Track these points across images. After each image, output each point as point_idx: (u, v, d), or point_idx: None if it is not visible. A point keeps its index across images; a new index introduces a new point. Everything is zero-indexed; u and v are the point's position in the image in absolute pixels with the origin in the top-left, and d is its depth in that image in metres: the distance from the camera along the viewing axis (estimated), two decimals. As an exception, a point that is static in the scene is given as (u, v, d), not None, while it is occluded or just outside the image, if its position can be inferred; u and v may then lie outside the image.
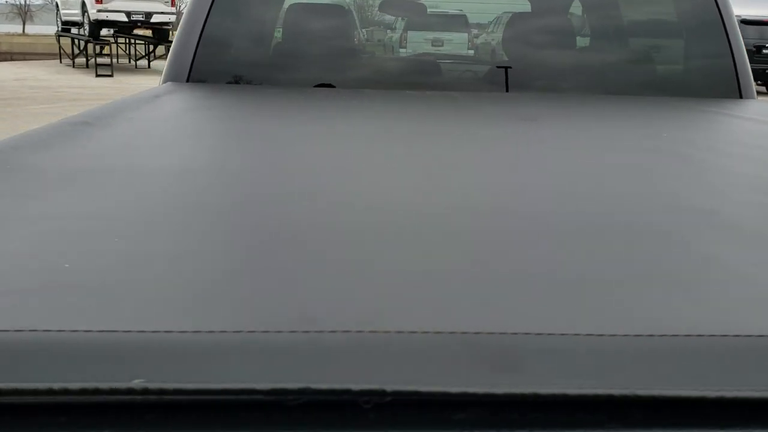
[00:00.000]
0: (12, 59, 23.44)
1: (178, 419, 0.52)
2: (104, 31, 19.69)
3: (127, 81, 17.00)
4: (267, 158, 1.31)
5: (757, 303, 0.66)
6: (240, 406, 0.52)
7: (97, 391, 0.50)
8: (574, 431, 0.53)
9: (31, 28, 44.57)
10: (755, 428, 0.53)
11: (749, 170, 1.36)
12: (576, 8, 3.13)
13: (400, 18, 6.77)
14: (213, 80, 2.41)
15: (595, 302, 0.66)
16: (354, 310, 0.60)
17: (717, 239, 0.87)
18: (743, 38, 2.65)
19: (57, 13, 22.88)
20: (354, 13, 3.59)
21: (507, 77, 2.61)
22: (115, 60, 18.81)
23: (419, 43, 7.06)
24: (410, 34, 7.48)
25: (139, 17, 19.30)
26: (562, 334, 0.56)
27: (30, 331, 0.54)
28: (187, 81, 2.34)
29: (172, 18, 20.25)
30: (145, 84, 16.28)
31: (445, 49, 6.86)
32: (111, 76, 17.66)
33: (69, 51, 21.02)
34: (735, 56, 2.53)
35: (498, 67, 2.80)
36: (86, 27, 19.41)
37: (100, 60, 18.38)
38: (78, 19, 20.22)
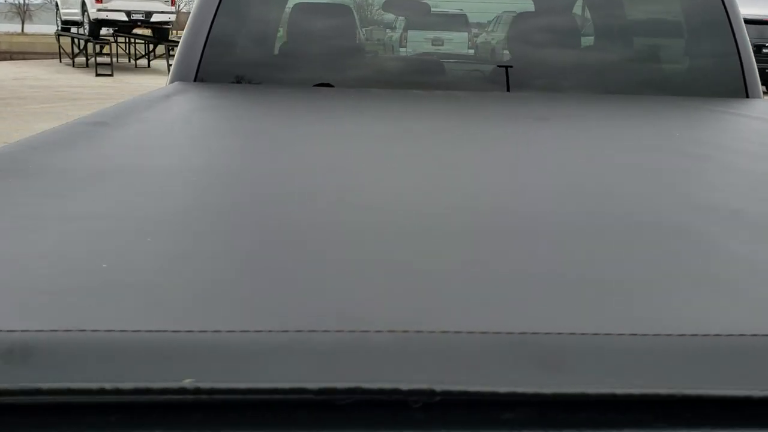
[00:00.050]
0: (11, 58, 23.41)
1: (228, 419, 0.52)
2: (104, 31, 19.68)
3: (128, 80, 17.00)
4: (283, 158, 1.33)
5: None
6: (290, 406, 0.52)
7: (148, 391, 0.50)
8: (621, 431, 0.53)
9: (30, 28, 44.52)
10: None
11: (763, 168, 1.36)
12: (580, 7, 3.11)
13: (399, 17, 6.78)
14: (220, 80, 2.42)
15: (639, 302, 0.66)
16: (398, 310, 0.60)
17: (746, 238, 0.87)
18: None
19: (57, 13, 22.85)
20: (354, 12, 3.60)
21: (510, 77, 2.60)
22: (115, 59, 18.80)
23: (419, 42, 7.06)
24: (410, 33, 7.49)
25: (139, 16, 19.29)
26: (607, 334, 0.57)
27: (80, 331, 0.54)
28: (195, 80, 2.36)
29: (172, 17, 20.23)
30: (145, 83, 16.29)
31: (445, 49, 6.87)
32: (111, 75, 17.65)
33: (69, 50, 21.00)
34: (742, 55, 2.52)
35: (502, 66, 2.79)
36: (86, 26, 19.39)
37: (100, 59, 18.36)
38: (78, 18, 20.21)
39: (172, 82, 2.38)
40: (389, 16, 6.58)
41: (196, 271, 0.70)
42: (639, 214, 0.99)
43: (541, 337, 0.56)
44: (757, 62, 2.65)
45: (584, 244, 0.84)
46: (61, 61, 21.65)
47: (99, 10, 18.75)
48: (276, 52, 2.82)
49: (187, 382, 0.50)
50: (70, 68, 20.18)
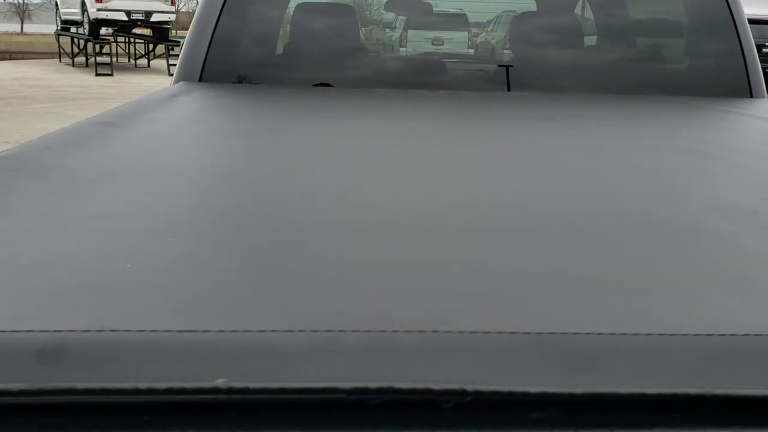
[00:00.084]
0: (11, 58, 23.39)
1: (261, 418, 0.52)
2: (103, 30, 19.68)
3: (128, 80, 16.99)
4: (291, 159, 1.34)
5: None
6: (322, 405, 0.53)
7: (182, 391, 0.51)
8: (652, 430, 0.53)
9: (29, 27, 44.48)
10: None
11: None
12: (580, 8, 3.11)
13: (399, 17, 6.78)
14: (225, 80, 2.43)
15: (667, 302, 0.66)
16: (427, 311, 0.61)
17: (762, 238, 0.88)
18: None
19: (56, 12, 22.84)
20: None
21: (512, 76, 2.60)
22: (114, 59, 18.80)
23: (419, 42, 7.07)
24: (410, 33, 7.49)
25: (139, 16, 19.28)
26: (636, 334, 0.57)
27: (111, 331, 0.55)
28: (200, 80, 2.37)
29: (172, 17, 20.22)
30: (145, 83, 16.28)
31: (445, 48, 6.87)
32: (111, 75, 17.64)
33: (68, 50, 21.00)
34: (745, 55, 2.52)
35: (505, 66, 2.78)
36: (86, 26, 19.39)
37: (99, 59, 18.35)
38: (78, 18, 20.20)
39: (176, 82, 2.40)
40: (389, 16, 6.58)
41: (223, 271, 0.71)
42: (654, 213, 1.00)
43: (570, 337, 0.57)
44: (758, 61, 2.64)
45: (603, 244, 0.84)
46: (60, 61, 21.63)
47: (99, 9, 18.74)
48: (280, 52, 2.84)
49: (220, 382, 0.51)
50: (70, 68, 20.17)
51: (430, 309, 0.62)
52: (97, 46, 18.93)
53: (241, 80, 2.49)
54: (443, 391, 0.51)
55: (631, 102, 2.42)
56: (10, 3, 50.69)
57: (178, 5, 21.27)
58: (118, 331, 0.55)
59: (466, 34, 7.05)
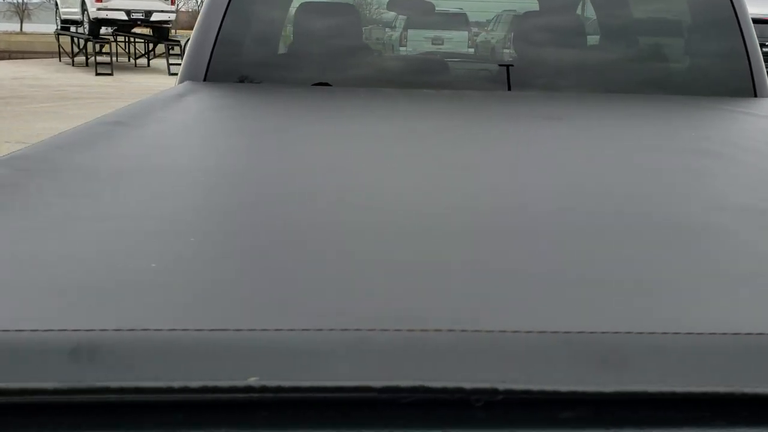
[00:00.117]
0: (10, 58, 23.40)
1: (293, 417, 0.53)
2: (103, 30, 19.68)
3: (128, 79, 17.00)
4: (302, 158, 1.34)
5: None
6: (353, 404, 0.53)
7: (216, 389, 0.51)
8: (681, 429, 0.53)
9: (28, 27, 44.47)
10: None
11: None
12: (588, 7, 3.11)
13: (399, 16, 6.79)
14: (229, 79, 2.44)
15: (696, 300, 0.67)
16: (456, 310, 0.62)
17: None
18: None
19: (56, 12, 22.84)
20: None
21: (514, 76, 2.60)
22: (114, 58, 18.81)
23: (419, 41, 7.08)
24: (410, 32, 7.50)
25: (139, 16, 19.28)
26: (664, 333, 0.57)
27: (143, 330, 0.55)
28: (204, 80, 2.38)
29: (172, 16, 20.22)
30: (145, 82, 16.28)
31: (445, 48, 6.87)
32: (111, 74, 17.64)
33: (68, 49, 21.00)
34: (750, 54, 2.51)
35: (506, 65, 2.78)
36: (86, 25, 19.39)
37: (99, 58, 18.35)
38: (77, 17, 20.20)
39: (181, 81, 2.40)
40: (389, 16, 6.59)
41: (251, 270, 0.72)
42: (669, 212, 1.00)
43: (599, 336, 0.57)
44: (757, 61, 2.64)
45: (623, 243, 0.85)
46: (60, 60, 21.63)
47: (99, 9, 18.74)
48: (284, 51, 2.85)
49: (253, 380, 0.51)
50: (70, 67, 20.17)
51: (459, 309, 0.62)
52: (97, 46, 18.93)
53: (245, 80, 2.50)
54: (474, 390, 0.52)
55: (635, 102, 2.41)
56: (10, 2, 50.69)
57: (178, 5, 21.27)
58: (150, 330, 0.55)
59: (466, 33, 7.05)
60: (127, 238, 0.80)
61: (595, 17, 3.12)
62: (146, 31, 20.75)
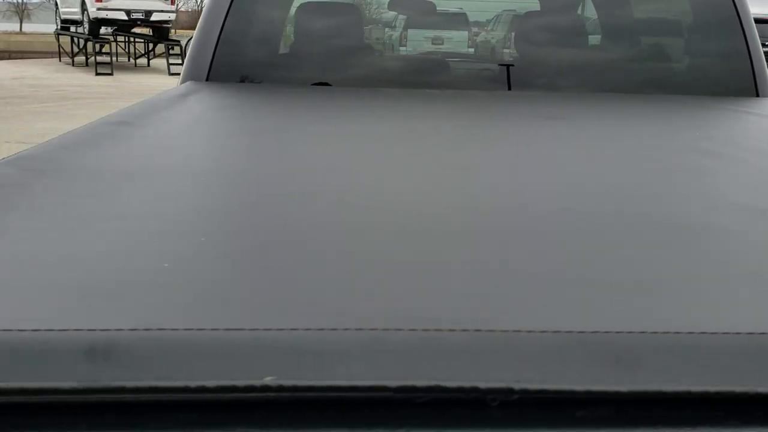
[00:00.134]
0: (10, 57, 23.41)
1: (308, 416, 0.53)
2: (103, 30, 19.68)
3: (128, 79, 17.00)
4: (305, 159, 1.35)
5: None
6: (369, 403, 0.53)
7: (233, 389, 0.52)
8: (695, 428, 0.53)
9: (27, 27, 44.47)
10: None
11: None
12: (588, 6, 3.11)
13: (399, 16, 6.80)
14: (232, 79, 2.44)
15: (709, 300, 0.67)
16: (470, 310, 0.62)
17: None
18: None
19: (56, 12, 22.85)
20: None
21: (516, 76, 2.60)
22: (114, 58, 18.81)
23: (419, 41, 7.09)
24: (410, 32, 7.51)
25: (139, 15, 19.28)
26: (677, 333, 0.58)
27: (159, 329, 0.56)
28: (207, 80, 2.38)
29: (172, 16, 20.23)
30: (145, 82, 16.29)
31: (445, 48, 6.88)
32: (111, 74, 17.65)
33: (68, 49, 21.01)
34: (752, 54, 2.51)
35: (506, 65, 2.78)
36: (86, 25, 19.40)
37: (99, 58, 18.36)
38: (77, 17, 20.21)
39: (184, 81, 2.41)
40: (388, 15, 6.60)
41: (262, 270, 0.72)
42: (676, 212, 1.01)
43: (613, 335, 0.57)
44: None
45: (633, 243, 0.85)
46: (60, 60, 21.63)
47: (99, 9, 18.75)
48: (287, 51, 2.86)
49: (269, 380, 0.52)
50: (70, 67, 20.17)
51: (473, 308, 0.62)
52: (97, 46, 18.94)
53: (248, 80, 2.51)
54: (490, 389, 0.52)
55: (637, 101, 2.41)
56: (9, 2, 50.68)
57: (178, 4, 21.27)
58: (165, 329, 0.56)
59: (466, 33, 7.05)
60: (138, 238, 0.80)
61: (593, 17, 3.12)
62: (146, 31, 20.75)
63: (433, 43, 7.02)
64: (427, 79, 2.76)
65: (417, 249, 0.80)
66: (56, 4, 22.87)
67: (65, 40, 21.47)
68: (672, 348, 0.57)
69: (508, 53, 3.51)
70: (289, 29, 2.90)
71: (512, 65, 2.71)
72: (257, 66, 2.58)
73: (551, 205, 1.03)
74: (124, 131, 1.46)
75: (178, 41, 18.96)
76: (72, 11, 20.69)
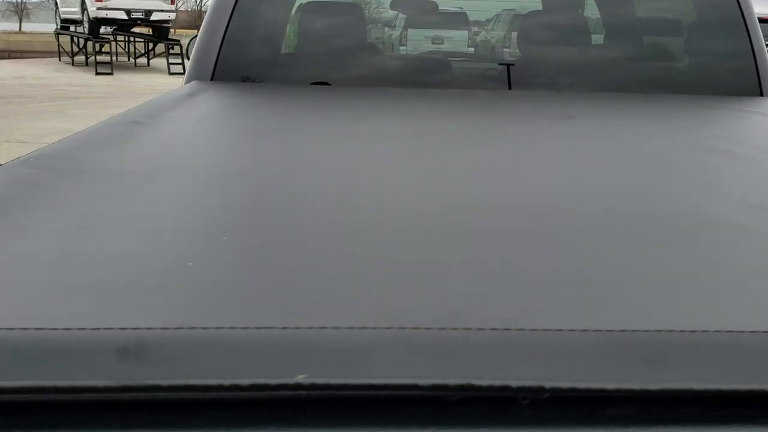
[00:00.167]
0: (9, 57, 23.42)
1: (340, 414, 0.53)
2: (103, 29, 19.67)
3: (128, 79, 17.00)
4: (319, 158, 1.35)
5: None
6: (401, 401, 0.53)
7: (265, 387, 0.52)
8: (726, 427, 0.53)
9: (27, 26, 44.43)
10: None
11: None
12: (588, 6, 3.10)
13: (399, 15, 6.81)
14: (236, 79, 2.45)
15: (738, 298, 0.67)
16: (499, 309, 0.62)
17: None
18: None
19: (56, 11, 22.84)
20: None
21: (519, 75, 2.61)
22: (114, 58, 18.81)
23: (419, 40, 7.10)
24: (410, 31, 7.52)
25: (139, 15, 19.28)
26: (704, 331, 0.58)
27: (190, 328, 0.56)
28: (211, 79, 2.39)
29: (172, 16, 20.22)
30: (145, 82, 16.28)
31: (445, 47, 6.88)
32: (111, 74, 17.65)
33: (68, 49, 21.00)
34: (756, 54, 2.51)
35: (507, 64, 2.78)
36: (86, 25, 19.39)
37: (99, 58, 18.36)
38: (77, 17, 20.20)
39: (188, 80, 2.42)
40: (388, 14, 6.61)
41: (289, 268, 0.72)
42: (694, 211, 1.01)
43: (642, 334, 0.58)
44: (759, 61, 2.62)
45: (655, 242, 0.86)
46: (60, 60, 21.62)
47: (99, 8, 18.74)
48: (292, 51, 2.87)
49: (301, 378, 0.52)
50: (70, 67, 20.16)
51: (500, 307, 0.63)
52: (97, 45, 18.93)
53: (252, 79, 2.52)
54: (521, 388, 0.52)
55: (642, 101, 2.41)
56: (8, 2, 50.63)
57: (178, 4, 21.25)
58: (197, 328, 0.56)
59: (466, 32, 7.05)
60: (161, 238, 0.81)
61: (594, 17, 3.11)
62: (146, 30, 20.74)
63: (433, 43, 7.03)
64: (429, 78, 2.77)
65: (441, 248, 0.81)
66: (56, 3, 22.86)
67: (65, 39, 21.45)
68: (702, 346, 0.57)
69: (509, 52, 3.51)
70: (293, 29, 2.92)
71: (512, 65, 2.71)
72: (262, 65, 2.59)
73: (570, 204, 1.04)
74: (137, 131, 1.46)
75: (178, 41, 18.96)
76: (72, 11, 20.68)
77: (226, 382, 0.52)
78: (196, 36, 2.87)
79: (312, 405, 0.53)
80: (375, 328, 0.57)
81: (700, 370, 0.55)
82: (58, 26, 22.47)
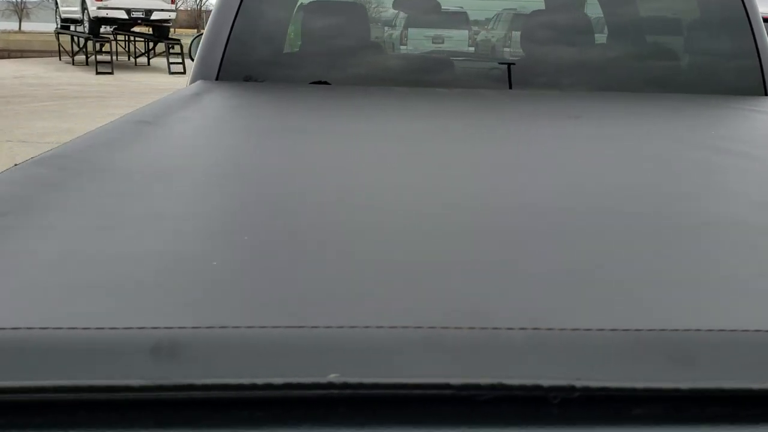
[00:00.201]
0: (9, 56, 23.42)
1: (372, 413, 0.54)
2: (103, 29, 19.68)
3: (128, 78, 17.00)
4: (326, 158, 1.36)
5: None
6: (431, 401, 0.54)
7: (299, 386, 0.52)
8: (756, 426, 0.54)
9: (26, 26, 44.42)
10: None
11: None
12: (589, 6, 3.09)
13: (399, 15, 6.82)
14: (241, 78, 2.46)
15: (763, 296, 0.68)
16: (525, 309, 0.63)
17: None
18: None
19: (56, 11, 22.84)
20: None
21: (517, 75, 2.60)
22: (114, 57, 18.82)
23: (419, 40, 7.11)
24: (411, 31, 7.53)
25: (139, 14, 19.28)
26: (733, 330, 0.58)
27: (221, 327, 0.56)
28: (216, 79, 2.40)
29: (173, 15, 20.22)
30: (146, 81, 16.28)
31: (445, 46, 6.89)
32: (111, 73, 17.66)
33: (68, 48, 21.01)
34: (761, 53, 2.51)
35: (508, 64, 2.78)
36: (86, 24, 19.39)
37: (100, 57, 18.37)
38: (78, 16, 20.20)
39: (194, 80, 2.43)
40: (388, 14, 6.62)
41: (320, 268, 0.72)
42: (709, 212, 1.02)
43: (669, 333, 0.58)
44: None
45: (684, 241, 0.86)
46: (60, 59, 21.63)
47: (99, 8, 18.74)
48: (296, 50, 2.88)
49: (333, 377, 0.52)
50: (70, 66, 20.17)
51: (529, 308, 0.63)
52: (98, 45, 18.94)
53: (257, 79, 2.53)
54: (552, 387, 0.53)
55: (647, 100, 2.40)
56: (8, 1, 50.61)
57: (178, 4, 21.25)
58: (228, 327, 0.56)
59: (466, 32, 7.06)
60: (182, 237, 0.81)
61: (596, 16, 3.12)
62: (146, 30, 20.74)
63: (433, 42, 7.04)
64: (433, 77, 2.78)
65: (465, 248, 0.81)
66: (56, 3, 22.85)
67: (65, 38, 21.46)
68: (730, 345, 0.57)
69: (512, 51, 3.51)
70: (297, 29, 2.93)
71: (513, 64, 2.72)
72: (267, 65, 2.60)
73: (587, 204, 1.04)
74: (148, 130, 1.47)
75: (179, 40, 18.97)
76: (72, 10, 20.68)
77: (260, 381, 0.52)
78: (200, 35, 2.88)
79: (344, 404, 0.54)
80: (405, 327, 0.57)
81: (729, 369, 0.55)
82: (59, 25, 22.47)
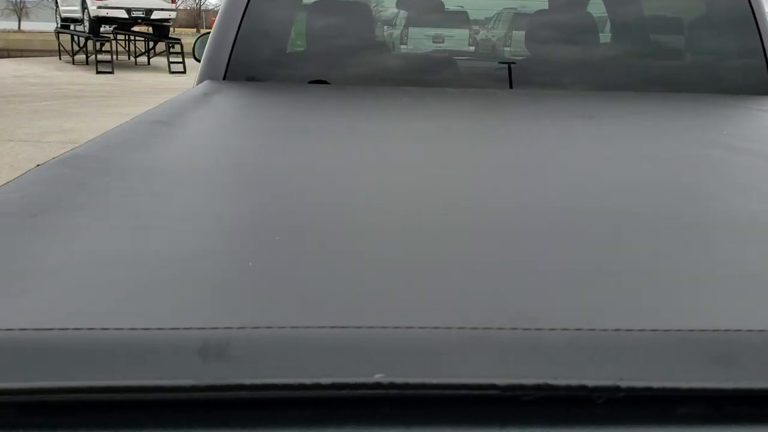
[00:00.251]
0: (9, 56, 23.42)
1: (417, 413, 0.54)
2: (103, 28, 19.68)
3: (128, 78, 17.00)
4: (338, 157, 1.36)
5: None
6: (476, 401, 0.54)
7: (345, 386, 0.53)
8: None
9: (26, 25, 44.39)
10: None
11: None
12: (591, 5, 3.07)
13: (399, 14, 6.83)
14: (249, 78, 2.47)
15: None
16: (568, 309, 0.63)
17: None
18: None
19: (56, 10, 22.84)
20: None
21: (519, 74, 2.58)
22: (115, 57, 18.82)
23: (420, 39, 7.12)
24: (411, 30, 7.54)
25: (140, 14, 19.28)
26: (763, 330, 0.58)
27: (267, 327, 0.56)
28: (224, 79, 2.40)
29: (173, 15, 20.22)
30: (146, 81, 16.29)
31: (446, 46, 6.90)
32: (111, 72, 17.66)
33: (68, 48, 21.01)
34: (766, 52, 2.50)
35: (508, 63, 2.77)
36: (86, 23, 19.40)
37: (100, 57, 18.38)
38: (78, 15, 20.20)
39: (201, 80, 2.43)
40: (388, 13, 6.62)
41: (361, 268, 0.73)
42: (729, 209, 1.01)
43: (711, 334, 0.58)
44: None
45: (705, 242, 0.87)
46: (60, 59, 21.62)
47: (99, 7, 18.74)
48: (302, 50, 2.89)
49: (379, 377, 0.53)
50: (70, 66, 20.16)
51: (572, 308, 0.64)
52: (98, 44, 18.94)
53: (264, 79, 2.54)
54: (597, 387, 0.53)
55: (653, 100, 2.40)
56: (8, 0, 50.55)
57: (178, 3, 21.24)
58: (273, 327, 0.57)
59: (466, 31, 7.06)
60: (214, 237, 0.82)
61: (599, 15, 3.11)
62: (146, 29, 20.74)
63: (434, 41, 7.05)
64: (437, 77, 2.79)
65: (501, 249, 0.81)
66: (56, 2, 22.85)
67: (65, 38, 21.45)
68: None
69: (513, 51, 3.51)
70: (299, 29, 2.94)
71: (514, 63, 2.71)
72: (273, 65, 2.61)
73: (610, 204, 1.04)
74: (163, 131, 1.48)
75: (179, 39, 18.97)
76: (72, 9, 20.68)
77: (308, 381, 0.52)
78: (204, 35, 2.88)
79: (390, 404, 0.54)
80: (448, 328, 0.58)
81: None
82: (59, 25, 22.46)
